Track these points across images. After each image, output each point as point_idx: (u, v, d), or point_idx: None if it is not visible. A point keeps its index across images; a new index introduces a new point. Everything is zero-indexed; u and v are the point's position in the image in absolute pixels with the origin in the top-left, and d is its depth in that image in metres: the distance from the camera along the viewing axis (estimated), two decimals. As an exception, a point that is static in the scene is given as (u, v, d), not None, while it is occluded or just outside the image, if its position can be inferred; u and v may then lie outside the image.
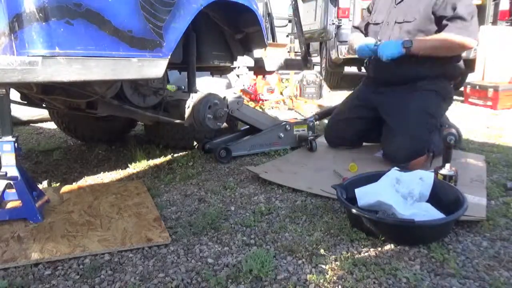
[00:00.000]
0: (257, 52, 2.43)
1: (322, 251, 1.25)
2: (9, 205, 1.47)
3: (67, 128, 2.61)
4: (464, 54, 4.68)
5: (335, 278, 1.12)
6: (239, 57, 2.35)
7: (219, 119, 2.02)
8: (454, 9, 2.00)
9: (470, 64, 4.82)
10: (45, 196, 1.56)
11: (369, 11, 2.45)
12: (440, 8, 2.03)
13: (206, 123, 1.97)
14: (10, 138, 1.41)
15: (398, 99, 2.13)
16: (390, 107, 2.16)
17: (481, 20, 4.83)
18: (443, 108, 2.20)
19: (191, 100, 1.99)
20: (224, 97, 2.16)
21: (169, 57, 1.55)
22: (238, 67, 2.38)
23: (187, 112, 1.99)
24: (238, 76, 2.38)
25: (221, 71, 2.56)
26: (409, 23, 2.11)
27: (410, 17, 2.10)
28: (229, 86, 3.37)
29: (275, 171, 1.98)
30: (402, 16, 2.14)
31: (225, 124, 2.59)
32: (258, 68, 2.50)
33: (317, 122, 2.76)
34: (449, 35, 1.99)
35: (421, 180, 1.48)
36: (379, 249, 1.27)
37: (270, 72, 2.72)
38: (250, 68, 2.44)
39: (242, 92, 2.34)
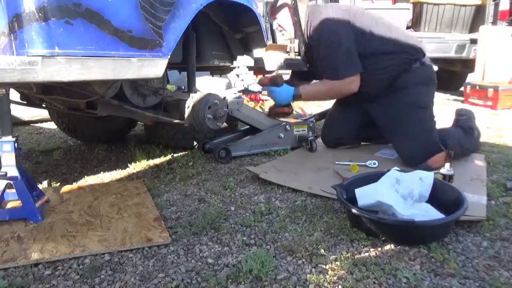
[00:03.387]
0: (257, 52, 2.43)
1: (322, 251, 1.25)
2: (9, 205, 1.47)
3: (67, 128, 2.61)
4: (463, 54, 4.73)
5: (335, 278, 1.12)
6: (239, 57, 2.34)
7: (219, 119, 2.02)
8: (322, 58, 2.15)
9: (470, 64, 4.83)
10: (45, 196, 1.56)
11: None
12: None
13: (206, 123, 1.97)
14: (10, 138, 1.41)
15: (386, 104, 2.14)
16: (382, 114, 2.17)
17: (481, 20, 4.83)
18: (431, 95, 2.17)
19: (191, 100, 1.99)
20: (224, 97, 2.16)
21: (168, 56, 1.55)
22: (238, 67, 2.38)
23: (187, 112, 1.99)
24: (238, 76, 2.38)
25: (221, 71, 2.56)
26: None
27: None
28: (229, 86, 3.37)
29: (275, 171, 1.97)
30: None
31: (225, 124, 2.59)
32: (258, 68, 2.50)
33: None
34: (327, 83, 2.15)
35: (421, 180, 1.48)
36: (379, 249, 1.27)
37: (270, 72, 2.72)
38: (250, 68, 2.44)
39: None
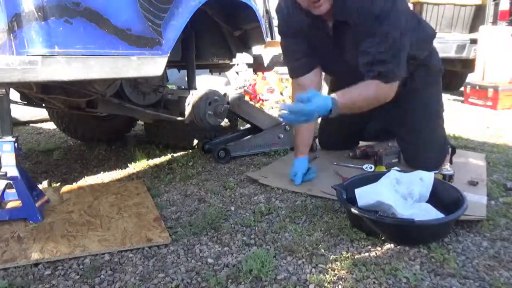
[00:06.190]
0: (256, 49, 2.42)
1: (322, 251, 1.25)
2: (9, 205, 1.47)
3: (67, 128, 2.61)
4: (463, 54, 4.73)
5: (335, 278, 1.12)
6: (238, 54, 2.35)
7: (219, 115, 2.02)
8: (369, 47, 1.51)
9: (470, 64, 4.83)
10: (45, 196, 1.56)
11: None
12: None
13: (207, 119, 1.97)
14: (10, 138, 1.41)
15: (398, 109, 1.89)
16: (394, 120, 2.01)
17: (481, 20, 4.83)
18: (440, 86, 1.99)
19: (191, 97, 1.99)
20: (225, 94, 2.16)
21: (168, 54, 1.55)
22: (237, 64, 2.38)
23: (187, 109, 1.99)
24: (237, 73, 2.38)
25: (220, 69, 2.56)
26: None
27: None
28: (227, 84, 3.38)
29: (274, 175, 1.95)
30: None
31: (227, 123, 2.59)
32: (258, 65, 2.50)
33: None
34: (372, 85, 1.56)
35: (421, 180, 1.47)
36: (379, 249, 1.27)
37: (269, 69, 2.72)
38: (249, 65, 2.44)
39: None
